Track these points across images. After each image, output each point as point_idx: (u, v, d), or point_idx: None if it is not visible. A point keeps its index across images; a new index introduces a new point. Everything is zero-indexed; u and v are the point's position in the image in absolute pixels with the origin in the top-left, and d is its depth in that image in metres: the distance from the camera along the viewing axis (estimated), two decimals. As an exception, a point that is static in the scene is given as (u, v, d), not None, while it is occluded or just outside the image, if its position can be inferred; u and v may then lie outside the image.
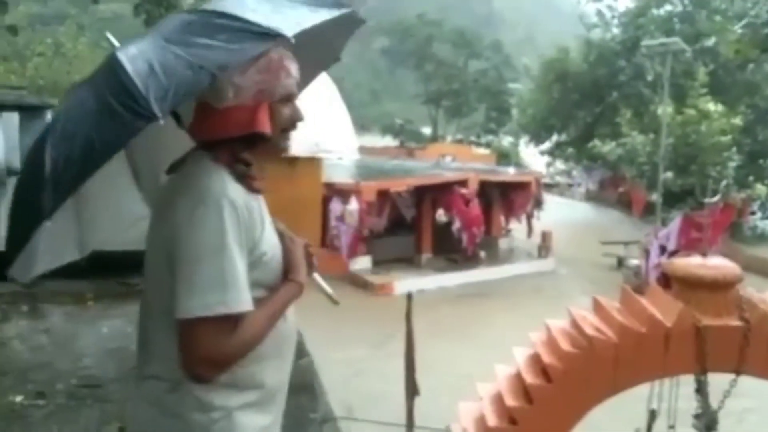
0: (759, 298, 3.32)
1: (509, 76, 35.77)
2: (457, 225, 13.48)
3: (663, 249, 12.92)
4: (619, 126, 19.74)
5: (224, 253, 1.31)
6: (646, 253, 13.46)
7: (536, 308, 11.21)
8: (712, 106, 16.16)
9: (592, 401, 3.35)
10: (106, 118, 1.26)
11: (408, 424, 3.63)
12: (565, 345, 3.34)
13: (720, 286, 3.26)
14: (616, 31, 25.24)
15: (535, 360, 3.54)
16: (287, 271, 1.53)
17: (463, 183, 13.62)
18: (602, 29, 25.72)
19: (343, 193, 13.10)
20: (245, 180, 1.46)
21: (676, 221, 13.03)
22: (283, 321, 1.50)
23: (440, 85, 36.68)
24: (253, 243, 1.40)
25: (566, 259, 15.70)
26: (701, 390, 3.43)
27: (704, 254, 3.41)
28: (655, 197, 14.89)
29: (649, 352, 3.20)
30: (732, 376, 3.28)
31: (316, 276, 1.71)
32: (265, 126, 1.45)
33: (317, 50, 1.64)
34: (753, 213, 18.97)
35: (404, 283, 12.50)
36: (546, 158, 28.68)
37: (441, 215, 14.40)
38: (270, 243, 1.47)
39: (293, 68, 1.49)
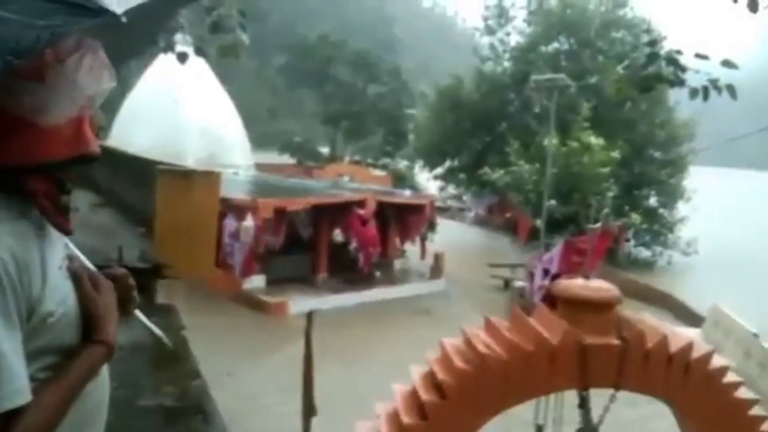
0: (636, 319, 3.59)
1: (407, 101, 36.64)
2: (354, 245, 13.58)
3: (546, 272, 13.57)
4: (508, 155, 20.69)
5: None
6: (531, 276, 14.10)
7: (429, 327, 11.47)
8: (594, 140, 17.35)
9: (484, 416, 3.47)
10: None
11: (304, 443, 3.61)
12: (458, 362, 3.45)
13: (601, 307, 3.50)
14: (507, 64, 26.52)
15: (431, 377, 3.63)
16: (88, 327, 1.20)
17: (360, 203, 13.75)
18: (494, 62, 26.96)
19: (238, 209, 12.86)
20: (58, 218, 1.18)
21: (558, 246, 13.75)
22: (93, 386, 1.21)
23: (339, 106, 37.00)
24: (30, 305, 1.09)
25: (457, 281, 16.16)
26: (583, 405, 3.65)
27: (587, 277, 3.65)
28: (540, 223, 15.68)
29: (537, 369, 3.37)
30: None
31: (139, 314, 1.44)
32: (95, 144, 1.17)
33: (128, 33, 1.26)
34: (628, 240, 20.40)
35: (299, 303, 12.41)
36: (439, 183, 29.52)
37: (338, 235, 14.46)
38: (58, 297, 1.16)
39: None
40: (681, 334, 3.79)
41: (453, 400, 3.39)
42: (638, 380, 3.44)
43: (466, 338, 3.67)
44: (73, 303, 1.20)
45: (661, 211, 21.63)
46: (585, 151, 17.34)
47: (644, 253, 21.52)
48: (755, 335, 10.36)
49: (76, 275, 1.23)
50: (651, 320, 4.14)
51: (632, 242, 21.18)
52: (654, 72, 3.59)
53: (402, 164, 35.19)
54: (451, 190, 29.79)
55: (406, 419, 3.45)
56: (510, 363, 3.37)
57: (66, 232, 1.21)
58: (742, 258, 22.27)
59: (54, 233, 1.20)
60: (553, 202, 16.36)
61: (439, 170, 28.73)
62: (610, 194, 17.59)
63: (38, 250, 1.12)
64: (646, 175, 21.25)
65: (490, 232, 25.18)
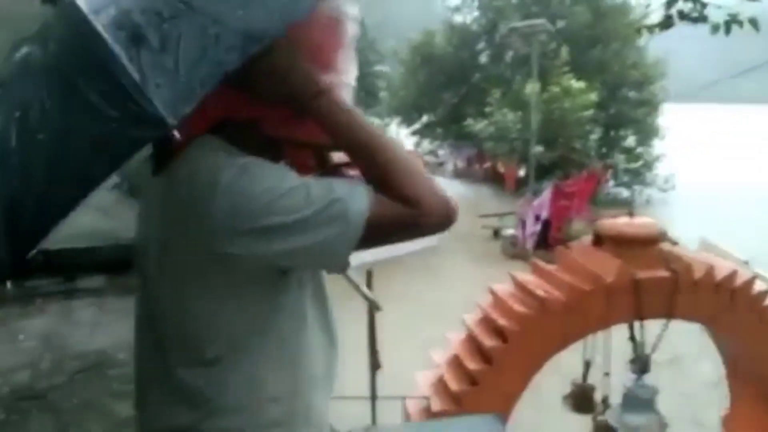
0: (679, 252, 3.73)
1: (374, 58, 36.21)
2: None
3: (538, 218, 13.80)
4: (484, 106, 20.69)
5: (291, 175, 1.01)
6: (522, 223, 14.32)
7: (432, 282, 11.65)
8: (575, 83, 17.41)
9: (545, 356, 3.61)
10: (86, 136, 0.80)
11: (372, 396, 3.72)
12: (518, 307, 3.57)
13: (648, 242, 3.63)
14: (476, 14, 26.31)
15: (487, 323, 3.74)
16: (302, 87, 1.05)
17: (348, 165, 13.67)
18: (463, 13, 26.75)
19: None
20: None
21: (547, 192, 13.94)
22: (323, 334, 1.17)
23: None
24: None
25: (447, 234, 16.16)
26: (634, 337, 3.81)
27: (630, 214, 3.76)
28: (525, 171, 15.79)
29: (594, 307, 3.50)
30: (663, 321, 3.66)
31: (349, 274, 1.43)
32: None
33: None
34: (608, 180, 20.70)
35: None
36: (414, 139, 29.47)
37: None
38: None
39: None
40: (723, 262, 3.95)
41: (515, 343, 3.52)
42: (688, 309, 3.60)
43: (517, 283, 3.78)
44: None
45: (638, 149, 21.92)
46: (566, 96, 17.42)
47: (624, 192, 21.86)
48: (745, 262, 10.71)
49: None
50: (691, 251, 4.29)
51: (611, 182, 21.49)
52: (677, 9, 3.68)
53: (375, 122, 34.97)
54: (427, 144, 29.79)
55: (471, 365, 3.57)
56: (569, 303, 3.50)
57: None
58: (715, 191, 22.84)
59: None
60: (538, 148, 16.52)
61: (416, 126, 28.65)
62: (594, 137, 17.74)
63: None
64: (622, 115, 21.43)
65: (472, 183, 25.30)
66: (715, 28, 3.85)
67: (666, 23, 3.93)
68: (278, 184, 0.98)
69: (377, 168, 1.04)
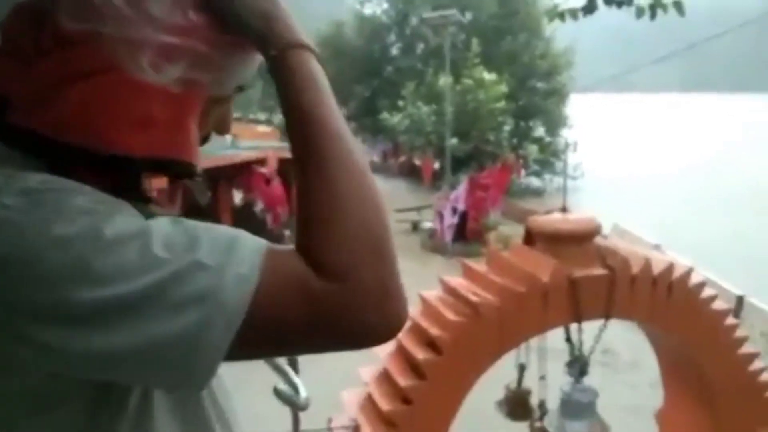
0: (615, 246, 3.56)
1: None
2: (259, 206, 13.07)
3: (454, 210, 13.79)
4: (397, 99, 20.57)
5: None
6: (440, 216, 14.27)
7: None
8: (487, 75, 17.53)
9: (482, 366, 3.34)
10: None
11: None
12: (450, 315, 3.28)
13: (584, 238, 3.43)
14: (385, 5, 26.18)
15: (418, 333, 3.44)
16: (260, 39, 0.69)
17: (261, 162, 13.18)
18: (372, 4, 26.58)
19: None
20: None
21: (463, 184, 13.96)
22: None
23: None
24: None
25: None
26: (571, 339, 3.61)
27: (564, 210, 3.56)
28: (440, 164, 15.75)
29: (531, 310, 3.26)
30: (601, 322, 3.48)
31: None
32: (196, 154, 0.75)
33: None
34: (520, 171, 21.01)
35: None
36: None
37: (239, 197, 13.89)
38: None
39: None
40: (658, 255, 3.83)
41: (450, 354, 3.22)
42: (626, 307, 3.42)
43: (448, 288, 3.50)
44: None
45: (548, 139, 22.41)
46: (479, 88, 17.51)
47: (535, 181, 22.29)
48: (657, 246, 11.02)
49: None
50: (625, 244, 4.16)
51: (523, 172, 21.86)
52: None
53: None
54: (340, 139, 29.44)
55: (402, 381, 3.25)
56: (503, 308, 3.23)
57: None
58: (622, 177, 23.76)
59: None
60: (453, 141, 16.52)
61: (328, 121, 28.31)
62: (507, 128, 17.94)
63: None
64: (532, 105, 21.82)
65: (387, 177, 25.17)
66: (641, 12, 3.72)
67: (590, 7, 3.77)
68: (95, 227, 0.55)
69: (322, 188, 0.63)
